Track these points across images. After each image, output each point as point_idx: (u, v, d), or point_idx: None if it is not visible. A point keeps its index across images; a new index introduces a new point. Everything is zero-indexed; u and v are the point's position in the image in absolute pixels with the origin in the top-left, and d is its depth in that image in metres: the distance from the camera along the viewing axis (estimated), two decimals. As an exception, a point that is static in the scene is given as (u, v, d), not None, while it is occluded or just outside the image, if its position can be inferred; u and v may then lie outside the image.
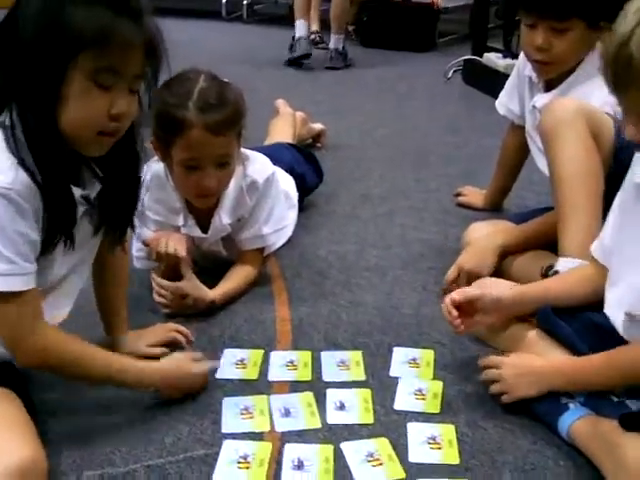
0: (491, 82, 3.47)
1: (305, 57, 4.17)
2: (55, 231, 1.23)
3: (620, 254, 1.34)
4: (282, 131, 2.52)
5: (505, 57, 3.54)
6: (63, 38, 1.13)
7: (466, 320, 1.47)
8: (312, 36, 4.39)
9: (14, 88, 1.16)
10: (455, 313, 1.46)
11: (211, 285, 1.78)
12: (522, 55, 1.98)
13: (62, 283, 1.35)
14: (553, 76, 1.85)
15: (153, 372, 1.41)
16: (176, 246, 1.71)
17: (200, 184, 1.70)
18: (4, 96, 1.18)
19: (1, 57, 1.16)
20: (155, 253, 1.73)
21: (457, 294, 1.47)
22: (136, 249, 1.81)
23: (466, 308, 1.47)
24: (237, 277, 1.84)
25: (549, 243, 1.75)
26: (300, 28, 4.23)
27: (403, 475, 1.25)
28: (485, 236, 1.85)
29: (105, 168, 1.30)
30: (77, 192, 1.25)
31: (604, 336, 1.34)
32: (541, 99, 1.88)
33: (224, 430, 1.37)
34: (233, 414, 1.41)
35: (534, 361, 1.39)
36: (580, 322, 1.41)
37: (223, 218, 1.81)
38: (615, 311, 1.33)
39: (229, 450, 1.31)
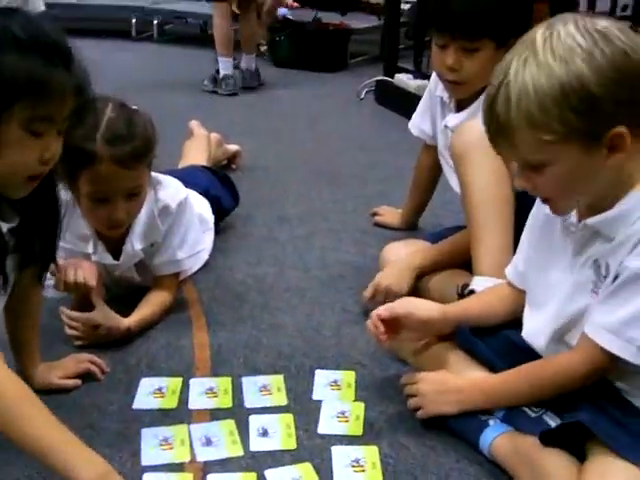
0: (403, 102, 3.54)
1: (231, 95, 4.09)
2: None
3: (537, 283, 1.37)
4: (196, 153, 2.49)
5: (416, 78, 3.61)
6: None
7: (391, 335, 1.47)
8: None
9: None
10: (382, 328, 1.46)
11: (126, 312, 1.73)
12: (434, 76, 2.02)
13: None
14: (465, 96, 1.89)
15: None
16: (86, 275, 1.65)
17: (109, 217, 1.66)
18: None
19: None
20: (63, 283, 1.65)
21: (385, 310, 1.47)
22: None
23: (391, 324, 1.47)
24: (152, 303, 1.79)
25: (464, 261, 1.79)
26: (225, 66, 4.04)
27: (328, 500, 1.24)
28: (402, 257, 1.87)
29: (22, 201, 1.25)
30: (4, 226, 1.22)
31: (521, 354, 1.37)
32: (453, 119, 1.92)
33: (144, 462, 1.33)
34: (152, 445, 1.37)
35: (454, 379, 1.40)
36: (498, 340, 1.43)
37: (135, 244, 1.77)
38: (535, 336, 1.35)
39: (149, 483, 1.28)
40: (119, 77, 3.90)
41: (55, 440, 1.14)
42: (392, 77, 3.80)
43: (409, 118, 2.20)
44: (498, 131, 1.18)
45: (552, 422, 1.27)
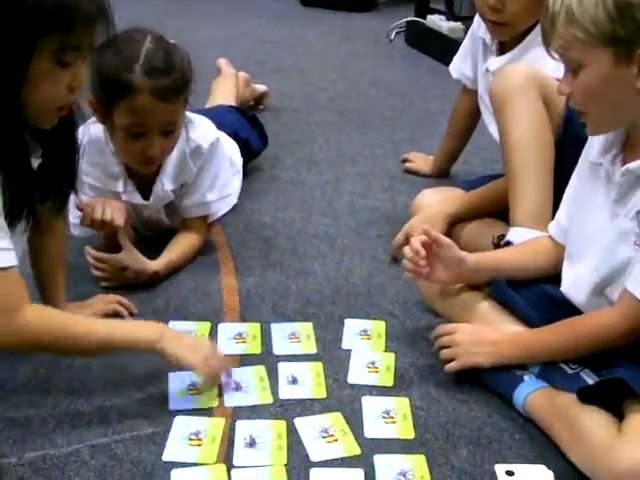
0: (435, 45, 3.44)
1: None
2: (20, 207, 1.20)
3: (579, 233, 1.33)
4: (225, 92, 2.43)
5: (448, 19, 3.50)
6: (28, 20, 1.09)
7: (428, 264, 1.43)
8: None
9: None
10: (423, 252, 1.41)
11: (153, 254, 1.71)
12: (477, 17, 1.95)
13: None
14: (507, 38, 1.82)
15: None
16: (113, 214, 1.63)
17: (143, 152, 1.62)
18: None
19: None
20: (89, 219, 1.63)
21: (427, 235, 1.42)
22: (73, 216, 1.71)
23: (428, 258, 1.43)
24: (181, 246, 1.77)
25: (498, 211, 1.74)
26: None
27: (358, 451, 1.23)
28: (435, 204, 1.83)
29: (44, 133, 1.24)
30: (34, 162, 1.22)
31: (557, 308, 1.34)
32: (494, 62, 1.85)
33: (172, 407, 1.32)
34: (180, 390, 1.36)
35: (489, 332, 1.38)
36: (533, 293, 1.40)
37: (165, 184, 1.74)
38: (575, 289, 1.32)
39: (180, 426, 1.27)
40: (149, 7, 3.82)
41: (115, 330, 1.29)
42: (424, 18, 3.68)
43: (441, 61, 2.14)
44: (545, 22, 1.21)
45: (589, 379, 1.24)
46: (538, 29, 1.74)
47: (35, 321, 1.19)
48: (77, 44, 1.14)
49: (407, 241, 1.77)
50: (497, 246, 1.59)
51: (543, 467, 1.20)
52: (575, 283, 1.32)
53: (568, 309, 1.33)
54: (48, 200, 1.32)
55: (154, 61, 1.55)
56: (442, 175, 2.26)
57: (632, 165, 1.20)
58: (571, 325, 1.28)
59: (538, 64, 1.71)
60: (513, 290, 1.41)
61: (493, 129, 1.85)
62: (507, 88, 1.65)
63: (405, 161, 2.34)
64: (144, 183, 1.74)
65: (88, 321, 1.34)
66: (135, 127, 1.59)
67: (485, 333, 1.37)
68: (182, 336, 1.35)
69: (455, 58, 2.10)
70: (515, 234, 1.57)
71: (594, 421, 1.16)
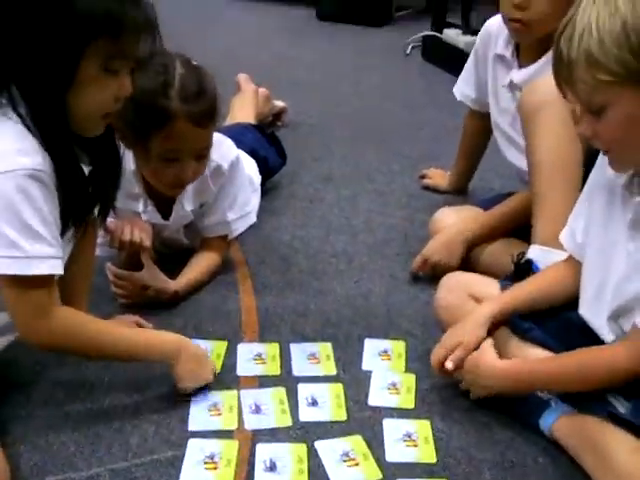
0: (451, 59, 3.42)
1: None
2: (69, 216, 1.22)
3: (594, 250, 1.30)
4: (244, 110, 2.43)
5: (465, 34, 3.50)
6: (78, 25, 1.11)
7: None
8: None
9: (16, 71, 1.14)
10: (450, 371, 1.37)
11: (170, 272, 1.71)
12: (481, 34, 1.94)
13: None
14: (529, 41, 1.77)
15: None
16: (141, 235, 1.63)
17: (177, 176, 1.62)
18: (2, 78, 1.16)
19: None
20: (117, 240, 1.63)
21: (452, 365, 1.35)
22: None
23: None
24: (201, 266, 1.77)
25: (517, 229, 1.73)
26: None
27: (380, 475, 1.22)
28: (453, 226, 1.82)
29: (91, 145, 1.27)
30: (85, 169, 1.25)
31: (579, 334, 1.31)
32: (518, 75, 1.81)
33: (191, 428, 1.32)
34: (201, 410, 1.36)
35: (487, 363, 1.32)
36: (559, 322, 1.36)
37: (185, 205, 1.74)
38: (593, 315, 1.28)
39: (195, 450, 1.26)
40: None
41: (138, 340, 1.37)
42: (440, 32, 3.68)
43: (458, 75, 2.12)
44: (560, 68, 1.13)
45: (618, 404, 1.22)
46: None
47: (65, 325, 1.23)
48: (124, 52, 1.17)
49: (425, 265, 1.78)
50: (517, 265, 1.57)
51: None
52: (592, 305, 1.28)
53: (589, 335, 1.30)
54: (94, 209, 1.34)
55: (188, 86, 1.55)
56: (460, 191, 2.25)
57: None
58: (571, 361, 1.24)
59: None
60: (539, 321, 1.36)
61: (510, 154, 1.84)
62: (537, 102, 1.60)
63: (423, 177, 2.33)
64: (164, 203, 1.74)
65: (114, 328, 1.38)
66: (171, 152, 1.58)
67: (480, 365, 1.32)
68: (192, 359, 1.39)
69: (459, 79, 2.09)
70: (535, 252, 1.56)
71: (621, 447, 1.13)
